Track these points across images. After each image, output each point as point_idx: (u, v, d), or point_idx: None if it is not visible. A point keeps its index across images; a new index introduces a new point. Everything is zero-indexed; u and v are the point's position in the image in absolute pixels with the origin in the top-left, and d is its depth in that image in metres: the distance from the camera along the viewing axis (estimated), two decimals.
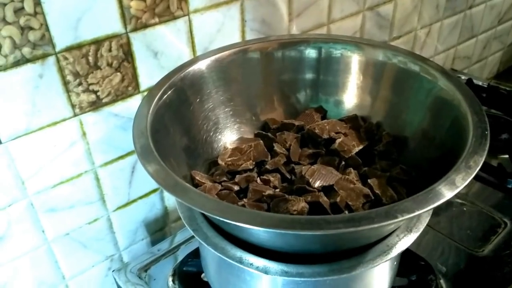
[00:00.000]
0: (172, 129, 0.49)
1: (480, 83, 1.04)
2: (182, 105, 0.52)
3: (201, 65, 0.54)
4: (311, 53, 0.58)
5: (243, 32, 0.67)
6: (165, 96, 0.49)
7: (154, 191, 0.69)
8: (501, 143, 0.86)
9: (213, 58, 0.55)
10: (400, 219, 0.34)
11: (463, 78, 1.08)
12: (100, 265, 0.68)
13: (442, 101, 0.49)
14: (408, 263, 0.58)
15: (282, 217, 0.36)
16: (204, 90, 0.54)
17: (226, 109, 0.56)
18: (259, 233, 0.39)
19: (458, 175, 0.37)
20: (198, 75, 0.54)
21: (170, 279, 0.62)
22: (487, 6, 1.13)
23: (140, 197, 0.68)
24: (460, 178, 0.37)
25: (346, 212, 0.46)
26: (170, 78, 0.51)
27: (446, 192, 0.36)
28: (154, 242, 0.72)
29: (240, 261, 0.42)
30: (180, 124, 0.51)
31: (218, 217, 0.35)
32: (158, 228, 0.73)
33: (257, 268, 0.41)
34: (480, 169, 0.77)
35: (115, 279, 0.63)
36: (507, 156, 0.82)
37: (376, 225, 0.33)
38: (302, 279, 0.41)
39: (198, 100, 0.54)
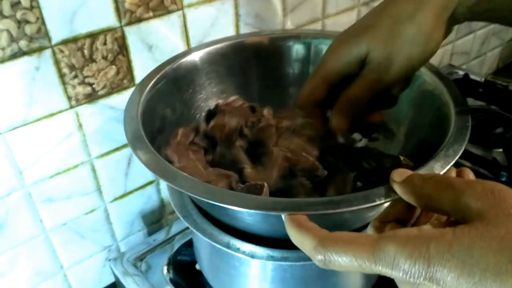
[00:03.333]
0: (164, 118, 0.51)
1: (478, 79, 1.04)
2: (174, 95, 0.53)
3: (194, 57, 0.55)
4: (301, 47, 0.59)
5: (237, 27, 0.69)
6: (157, 86, 0.50)
7: (150, 183, 0.70)
8: (496, 137, 0.87)
9: (206, 50, 0.56)
10: (378, 202, 0.34)
11: (460, 73, 1.08)
12: (98, 255, 0.70)
13: (426, 93, 0.50)
14: None
15: (264, 199, 0.37)
16: (196, 81, 0.56)
17: (219, 101, 0.57)
18: (244, 216, 0.40)
19: (437, 163, 0.38)
20: (191, 67, 0.55)
21: (165, 268, 0.63)
22: None
23: (137, 189, 0.69)
24: (439, 166, 0.38)
25: None
26: (162, 69, 0.52)
27: None
28: (150, 234, 0.74)
29: (228, 245, 0.43)
30: (172, 114, 0.52)
31: (204, 199, 0.36)
32: (155, 220, 0.74)
33: (243, 253, 0.42)
34: (474, 163, 0.79)
35: (111, 268, 0.64)
36: (501, 150, 0.83)
37: (354, 208, 0.34)
38: (288, 263, 0.42)
39: (190, 91, 0.55)
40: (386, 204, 0.36)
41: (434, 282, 0.26)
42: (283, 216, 0.34)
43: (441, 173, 0.37)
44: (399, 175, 0.34)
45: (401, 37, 0.44)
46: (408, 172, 0.34)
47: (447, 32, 0.46)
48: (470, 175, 0.37)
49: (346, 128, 0.48)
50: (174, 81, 0.53)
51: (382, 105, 0.50)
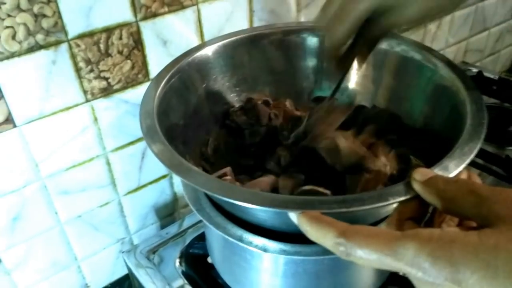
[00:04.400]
0: (179, 112, 0.51)
1: (491, 76, 1.04)
2: (188, 89, 0.53)
3: (208, 51, 0.56)
4: (316, 40, 0.59)
5: (251, 22, 0.69)
6: (172, 80, 0.50)
7: (163, 177, 0.71)
8: (510, 135, 0.86)
9: (220, 43, 0.56)
10: (391, 201, 0.35)
11: (474, 70, 1.07)
12: (111, 248, 0.71)
13: (442, 89, 0.50)
14: None
15: (278, 196, 0.37)
16: (210, 75, 0.56)
17: (232, 95, 0.58)
18: (257, 212, 0.41)
19: (451, 161, 0.38)
20: (205, 60, 0.55)
21: (178, 261, 0.64)
22: None
23: (150, 183, 0.70)
24: (454, 165, 0.37)
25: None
26: (178, 62, 0.52)
27: None
28: (163, 227, 0.74)
29: (240, 239, 0.43)
30: (186, 108, 0.52)
31: (217, 195, 0.36)
32: (168, 214, 0.75)
33: (256, 246, 0.43)
34: (488, 161, 0.79)
35: (124, 260, 0.65)
36: None
37: (367, 207, 0.34)
38: (300, 257, 0.43)
39: (204, 85, 0.55)
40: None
41: (456, 283, 0.26)
42: (295, 214, 0.35)
43: (456, 171, 0.37)
44: (421, 174, 0.34)
45: None
46: (431, 172, 0.34)
47: None
48: (477, 180, 0.37)
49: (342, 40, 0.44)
50: (188, 76, 0.53)
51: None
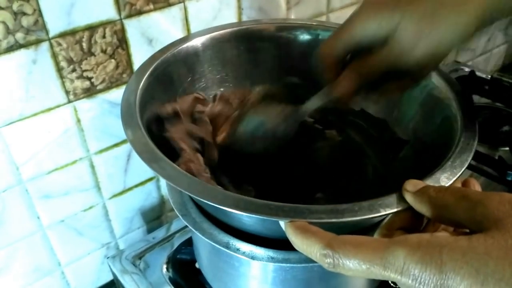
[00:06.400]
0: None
1: (483, 76, 1.03)
2: (173, 83, 0.51)
3: (196, 43, 0.53)
4: (307, 39, 0.57)
5: (239, 20, 0.67)
6: (156, 72, 0.48)
7: (150, 179, 0.69)
8: (502, 135, 0.85)
9: (208, 36, 0.54)
10: (383, 213, 0.34)
11: (466, 70, 1.07)
12: (96, 253, 0.69)
13: (434, 98, 0.48)
14: None
15: (266, 203, 0.35)
16: (197, 68, 0.53)
17: (220, 90, 0.56)
18: (243, 217, 0.39)
19: (443, 173, 0.37)
20: (192, 53, 0.53)
21: (165, 266, 0.62)
22: None
23: (136, 185, 0.68)
24: (445, 177, 0.37)
25: None
26: (163, 54, 0.50)
27: None
28: (150, 231, 0.72)
29: (227, 246, 0.42)
30: (170, 101, 0.50)
31: (199, 198, 0.35)
32: (155, 217, 0.73)
33: (243, 253, 0.41)
34: (480, 162, 0.77)
35: (109, 266, 0.63)
36: (507, 148, 0.81)
37: (358, 218, 0.33)
38: (289, 265, 0.41)
39: (190, 78, 0.53)
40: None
41: None
42: (283, 223, 0.33)
43: (448, 184, 0.36)
44: (412, 185, 0.34)
45: (439, 21, 0.39)
46: (422, 183, 0.34)
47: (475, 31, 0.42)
48: (476, 185, 0.36)
49: (350, 95, 0.45)
50: (173, 68, 0.51)
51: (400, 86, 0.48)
